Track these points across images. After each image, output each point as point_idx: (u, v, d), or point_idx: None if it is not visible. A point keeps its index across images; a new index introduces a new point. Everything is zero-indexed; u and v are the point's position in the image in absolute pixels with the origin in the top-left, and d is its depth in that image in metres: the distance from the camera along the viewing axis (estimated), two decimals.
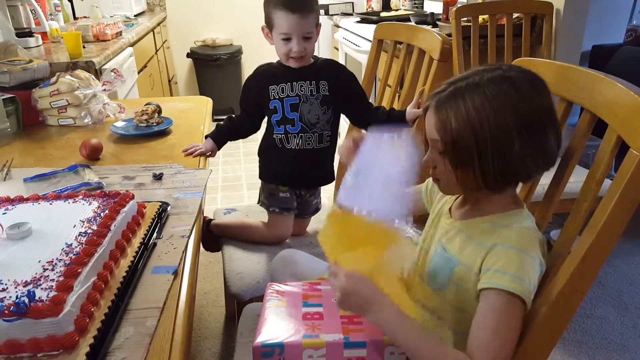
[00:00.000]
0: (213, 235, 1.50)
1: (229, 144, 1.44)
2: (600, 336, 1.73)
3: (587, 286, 0.73)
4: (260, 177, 1.45)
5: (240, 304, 1.25)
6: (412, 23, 2.37)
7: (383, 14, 2.94)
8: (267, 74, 1.35)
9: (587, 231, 0.72)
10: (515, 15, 2.05)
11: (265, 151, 1.42)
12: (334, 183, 1.66)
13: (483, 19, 2.04)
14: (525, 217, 0.80)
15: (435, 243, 0.89)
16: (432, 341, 0.74)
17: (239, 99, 1.42)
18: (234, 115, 1.45)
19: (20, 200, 0.95)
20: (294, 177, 1.40)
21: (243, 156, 3.33)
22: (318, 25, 1.29)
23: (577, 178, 0.83)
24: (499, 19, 2.02)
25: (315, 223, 1.51)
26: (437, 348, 0.74)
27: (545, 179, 0.87)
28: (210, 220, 1.53)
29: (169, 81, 3.86)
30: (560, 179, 0.84)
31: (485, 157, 0.72)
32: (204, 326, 1.80)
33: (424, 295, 0.86)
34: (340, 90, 1.34)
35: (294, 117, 1.32)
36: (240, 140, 1.44)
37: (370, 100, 1.44)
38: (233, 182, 3.01)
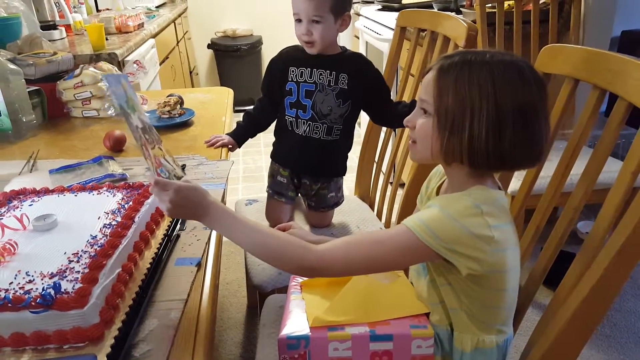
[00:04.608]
0: None
1: None
2: (630, 330, 1.68)
3: (621, 281, 0.71)
4: (270, 156, 1.47)
5: (262, 295, 1.25)
6: (435, 10, 2.32)
7: (405, 1, 2.88)
8: (290, 55, 1.35)
9: (623, 225, 0.69)
10: (542, 0, 1.99)
11: (278, 131, 1.43)
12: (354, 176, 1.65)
13: (508, 4, 1.98)
14: (478, 192, 0.75)
15: None
16: (271, 235, 0.75)
17: (262, 81, 1.41)
18: (251, 110, 1.44)
19: (46, 192, 0.96)
20: (296, 162, 1.40)
21: (264, 147, 3.33)
22: (341, 14, 1.25)
23: (607, 167, 0.80)
24: (525, 5, 1.96)
25: (339, 215, 1.49)
26: (278, 241, 0.74)
27: (577, 169, 0.84)
28: None
29: (190, 72, 3.87)
30: (593, 170, 0.81)
31: (478, 132, 0.72)
32: (226, 316, 1.81)
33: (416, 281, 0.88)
34: (361, 87, 1.31)
35: (306, 104, 1.31)
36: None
37: (392, 89, 1.41)
38: (254, 172, 3.01)
